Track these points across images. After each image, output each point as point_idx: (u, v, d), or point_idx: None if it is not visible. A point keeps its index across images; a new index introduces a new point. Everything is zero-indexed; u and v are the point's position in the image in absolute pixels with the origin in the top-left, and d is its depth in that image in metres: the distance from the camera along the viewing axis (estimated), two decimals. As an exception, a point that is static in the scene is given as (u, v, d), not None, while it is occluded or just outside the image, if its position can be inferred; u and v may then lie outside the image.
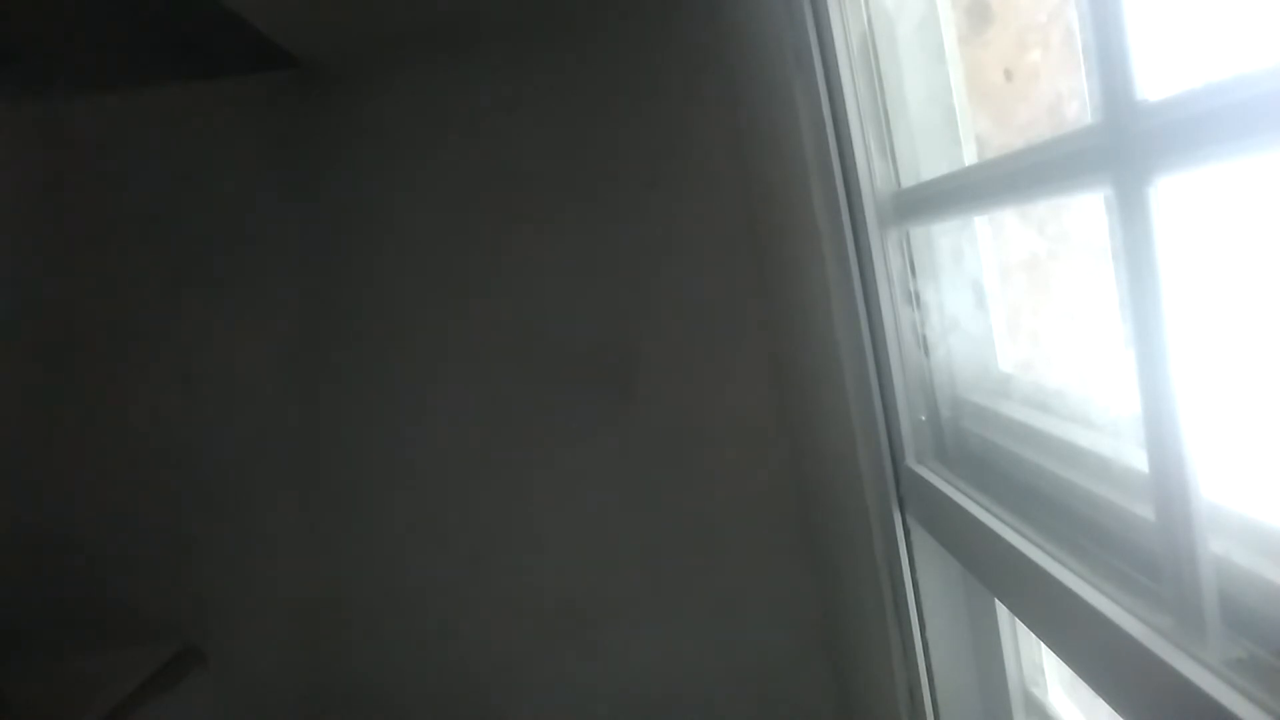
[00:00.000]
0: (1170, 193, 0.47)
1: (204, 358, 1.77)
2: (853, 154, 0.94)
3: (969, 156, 0.89)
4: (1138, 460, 0.58)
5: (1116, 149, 0.49)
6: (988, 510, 0.77)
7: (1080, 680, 0.61)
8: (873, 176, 0.94)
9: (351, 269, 1.76)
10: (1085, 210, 0.80)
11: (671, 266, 1.71)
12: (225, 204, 1.76)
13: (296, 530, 1.78)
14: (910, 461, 0.97)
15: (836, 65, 0.94)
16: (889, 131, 0.94)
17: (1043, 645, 0.87)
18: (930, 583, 0.99)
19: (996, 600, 0.93)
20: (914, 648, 1.01)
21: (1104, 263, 0.66)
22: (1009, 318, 0.90)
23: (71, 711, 1.45)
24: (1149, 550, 0.57)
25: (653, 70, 1.69)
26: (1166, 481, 0.50)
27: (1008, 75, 0.87)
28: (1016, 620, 0.91)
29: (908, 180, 0.93)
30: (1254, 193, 0.53)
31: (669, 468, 1.74)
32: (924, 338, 0.95)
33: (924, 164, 0.92)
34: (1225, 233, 0.55)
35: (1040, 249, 0.87)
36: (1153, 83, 0.47)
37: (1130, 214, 0.48)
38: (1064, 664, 0.64)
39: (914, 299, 0.94)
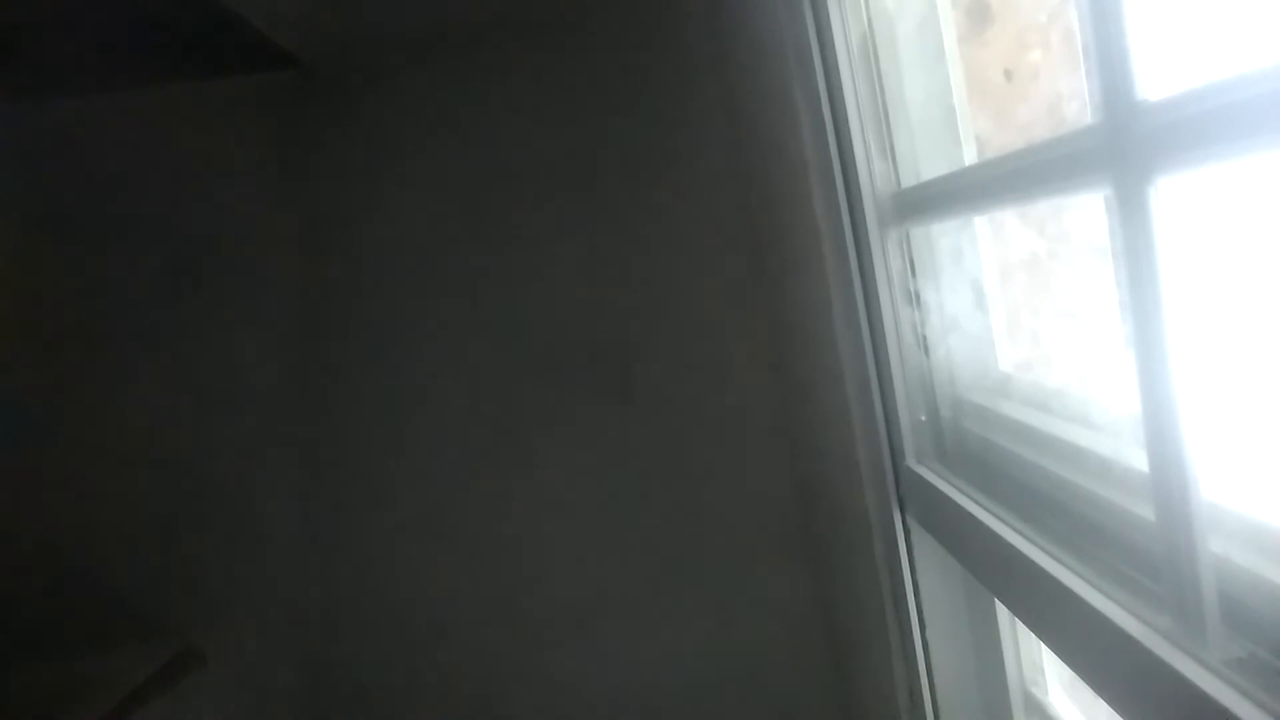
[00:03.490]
0: (1170, 193, 0.47)
1: (204, 357, 1.77)
2: (853, 154, 0.94)
3: (969, 156, 0.89)
4: (1138, 460, 0.58)
5: (1116, 149, 0.49)
6: (988, 510, 0.77)
7: (1080, 680, 0.61)
8: (873, 176, 0.94)
9: (351, 268, 1.76)
10: (1085, 210, 0.80)
11: (671, 266, 1.71)
12: (225, 203, 1.76)
13: (296, 530, 1.78)
14: (910, 461, 0.96)
15: (836, 65, 0.94)
16: (889, 131, 0.94)
17: (1043, 645, 0.87)
18: (930, 583, 0.99)
19: (996, 600, 0.93)
20: (914, 648, 1.00)
21: (1104, 263, 0.66)
22: (1009, 318, 0.90)
23: (71, 711, 1.45)
24: (1149, 550, 0.57)
25: (653, 70, 1.69)
26: (1166, 481, 0.50)
27: (1008, 75, 0.87)
28: (1016, 620, 0.91)
29: (908, 180, 0.93)
30: (1254, 193, 0.53)
31: (669, 467, 1.74)
32: (924, 338, 0.95)
33: (924, 164, 0.92)
34: (1225, 233, 0.55)
35: (1040, 249, 0.87)
36: (1153, 83, 0.47)
37: (1130, 214, 0.48)
38: (1064, 664, 0.64)
39: (914, 299, 0.94)
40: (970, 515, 0.78)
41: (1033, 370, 0.89)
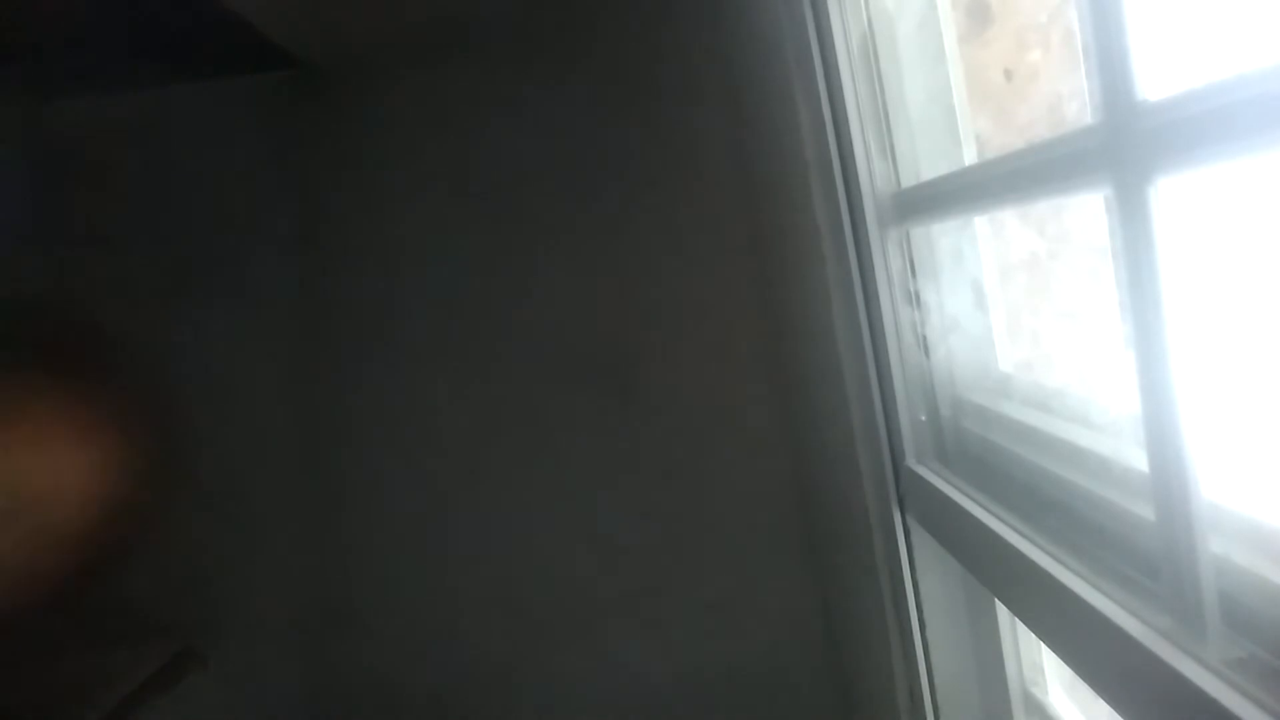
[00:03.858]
0: (1170, 193, 0.47)
1: (204, 357, 1.77)
2: (853, 154, 0.94)
3: (969, 156, 0.89)
4: (1138, 460, 0.58)
5: (1116, 149, 0.49)
6: (988, 510, 0.77)
7: (1080, 680, 0.61)
8: (873, 176, 0.94)
9: (351, 269, 1.76)
10: (1085, 210, 0.80)
11: (671, 266, 1.71)
12: (224, 204, 1.76)
13: (296, 530, 1.78)
14: (910, 461, 0.97)
15: (836, 65, 0.94)
16: (889, 131, 0.94)
17: (1043, 645, 0.87)
18: (930, 583, 0.99)
19: (996, 600, 0.93)
20: (914, 648, 1.01)
21: (1104, 263, 0.66)
22: (1009, 318, 0.90)
23: (71, 711, 1.45)
24: (1149, 550, 0.57)
25: (653, 70, 1.69)
26: (1166, 481, 0.50)
27: (1008, 75, 0.87)
28: (1016, 620, 0.91)
29: (908, 180, 0.93)
30: (1254, 193, 0.53)
31: (669, 468, 1.74)
32: (924, 338, 0.95)
33: (924, 164, 0.92)
34: (1225, 233, 0.55)
35: (1040, 249, 0.87)
36: (1153, 83, 0.47)
37: (1130, 214, 0.48)
38: (1064, 664, 0.64)
39: (914, 299, 0.94)
40: (970, 515, 0.78)
41: (1033, 370, 0.89)
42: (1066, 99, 0.79)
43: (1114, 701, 0.56)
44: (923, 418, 0.96)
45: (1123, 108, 0.48)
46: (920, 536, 0.99)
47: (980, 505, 0.79)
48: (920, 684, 1.01)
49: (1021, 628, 0.94)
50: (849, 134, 0.94)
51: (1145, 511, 0.57)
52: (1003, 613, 0.96)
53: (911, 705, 1.05)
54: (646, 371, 1.73)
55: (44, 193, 1.77)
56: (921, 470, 0.93)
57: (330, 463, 1.78)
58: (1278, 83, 0.38)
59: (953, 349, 0.93)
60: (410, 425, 1.77)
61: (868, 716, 1.41)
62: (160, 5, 1.38)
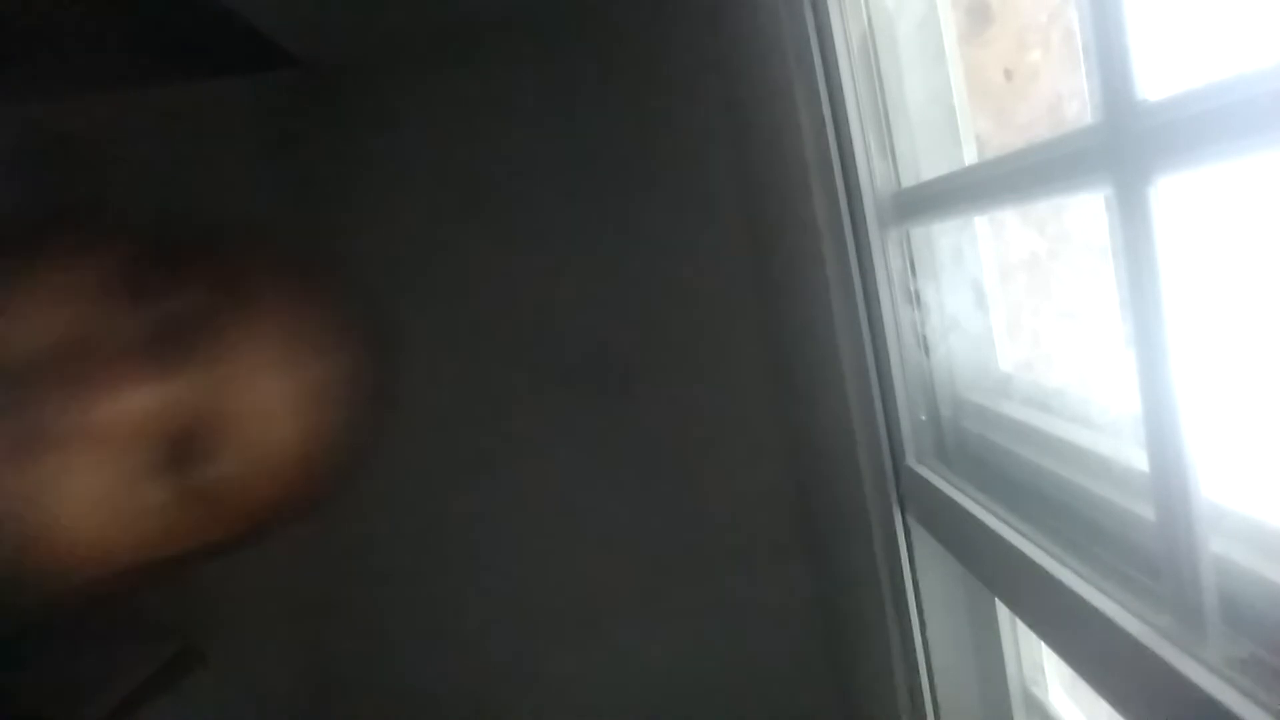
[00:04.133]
0: (1170, 193, 0.47)
1: (204, 358, 1.77)
2: (853, 154, 0.94)
3: (969, 156, 0.89)
4: (1138, 460, 0.58)
5: (1116, 149, 0.49)
6: (988, 510, 0.77)
7: (1080, 680, 0.61)
8: (873, 176, 0.94)
9: (349, 267, 1.76)
10: (1085, 210, 0.80)
11: (671, 266, 1.71)
12: (224, 204, 1.76)
13: (296, 530, 1.78)
14: (910, 461, 0.97)
15: (836, 65, 0.94)
16: (889, 131, 0.94)
17: (1043, 645, 0.87)
18: (930, 583, 0.99)
19: (996, 600, 0.93)
20: (914, 648, 1.01)
21: (1104, 263, 0.66)
22: (1009, 318, 0.90)
23: (71, 711, 1.45)
24: (1149, 550, 0.57)
25: (652, 70, 1.69)
26: (1166, 481, 0.50)
27: (1008, 75, 0.87)
28: (1016, 620, 0.92)
29: (908, 180, 0.93)
30: (1254, 193, 0.53)
31: (668, 468, 1.74)
32: (924, 338, 0.95)
33: (924, 164, 0.92)
34: (1225, 233, 0.56)
35: (1040, 249, 0.88)
36: (1153, 83, 0.47)
37: (1130, 214, 0.48)
38: (1064, 664, 0.64)
39: (914, 299, 0.94)
40: (970, 515, 0.78)
41: (1033, 370, 0.89)
42: (1066, 99, 0.79)
43: (1114, 701, 0.56)
44: (923, 417, 0.96)
45: (1123, 108, 0.48)
46: (920, 536, 0.98)
47: (980, 505, 0.79)
48: (920, 684, 1.01)
49: (1021, 628, 0.94)
50: (849, 134, 0.94)
51: (1145, 511, 0.57)
52: (1003, 613, 0.96)
53: (911, 705, 1.05)
54: (646, 371, 1.73)
55: (44, 191, 1.76)
56: (922, 470, 0.93)
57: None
58: (1278, 83, 0.38)
59: (953, 349, 0.93)
60: (408, 425, 1.77)
61: (868, 716, 1.41)
62: (160, 5, 1.38)
